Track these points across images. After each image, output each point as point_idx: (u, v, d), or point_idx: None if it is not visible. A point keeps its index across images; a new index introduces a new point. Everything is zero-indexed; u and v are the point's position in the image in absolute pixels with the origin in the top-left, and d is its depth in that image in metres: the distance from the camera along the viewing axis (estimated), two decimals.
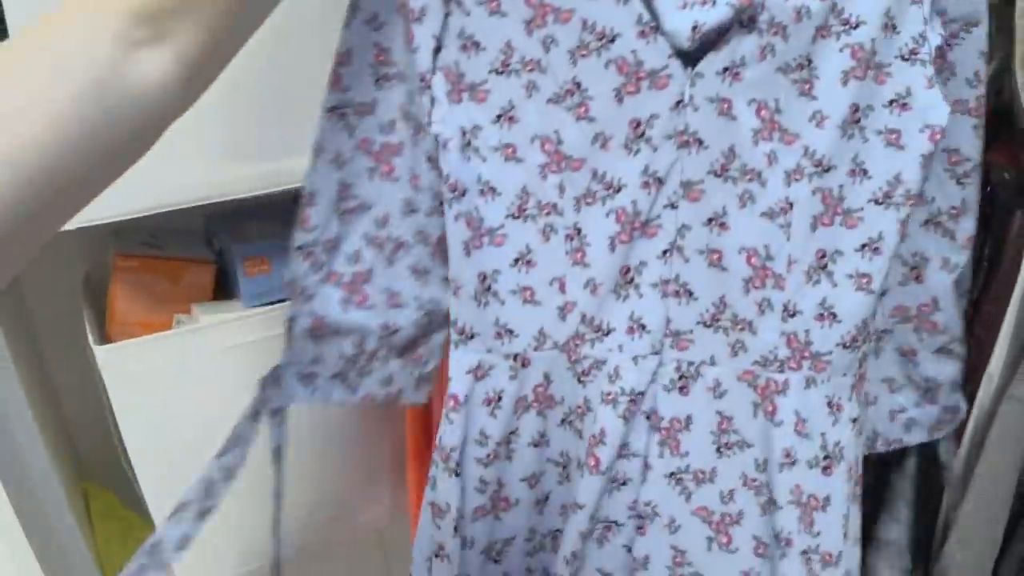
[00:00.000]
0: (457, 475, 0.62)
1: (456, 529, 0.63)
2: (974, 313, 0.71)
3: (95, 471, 0.89)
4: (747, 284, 0.58)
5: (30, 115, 0.30)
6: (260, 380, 0.63)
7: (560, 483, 0.65)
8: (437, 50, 0.56)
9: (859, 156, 0.56)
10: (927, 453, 0.75)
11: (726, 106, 0.55)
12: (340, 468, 0.81)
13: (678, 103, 0.55)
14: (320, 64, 0.68)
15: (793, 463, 0.60)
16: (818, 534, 0.60)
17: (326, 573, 0.87)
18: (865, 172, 0.57)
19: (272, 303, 0.72)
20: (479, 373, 0.61)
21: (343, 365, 0.65)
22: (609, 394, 0.60)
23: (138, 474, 0.68)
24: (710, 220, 0.57)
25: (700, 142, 0.56)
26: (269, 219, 0.77)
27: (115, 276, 0.69)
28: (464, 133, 0.57)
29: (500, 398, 0.61)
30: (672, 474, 0.61)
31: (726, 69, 0.54)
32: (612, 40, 0.54)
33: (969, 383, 0.72)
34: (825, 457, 0.60)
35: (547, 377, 0.61)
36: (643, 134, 0.56)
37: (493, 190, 0.58)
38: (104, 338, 0.68)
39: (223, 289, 0.75)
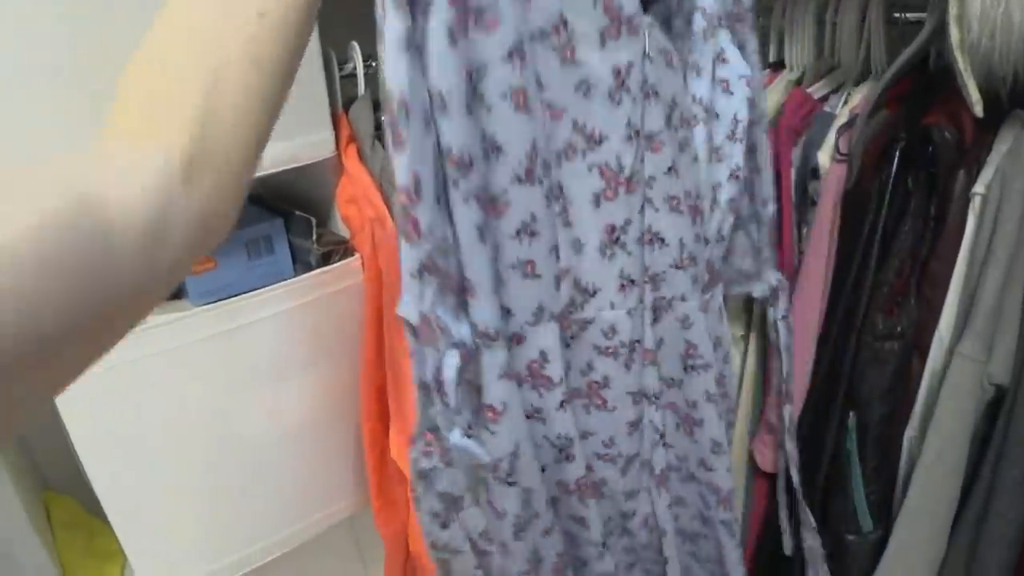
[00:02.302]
0: (510, 484, 0.60)
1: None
2: (921, 273, 0.71)
3: (58, 479, 0.88)
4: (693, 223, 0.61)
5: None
6: None
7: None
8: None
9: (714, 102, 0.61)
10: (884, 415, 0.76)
11: (671, 57, 0.56)
12: (302, 463, 0.81)
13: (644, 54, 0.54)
14: None
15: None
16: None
17: (299, 563, 0.86)
18: (717, 115, 0.61)
19: (220, 299, 0.71)
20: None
21: None
22: (609, 348, 0.61)
23: (92, 478, 0.67)
24: (669, 169, 0.58)
25: (656, 93, 0.55)
26: None
27: None
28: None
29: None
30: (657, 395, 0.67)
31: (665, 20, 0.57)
32: None
33: (920, 343, 0.73)
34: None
35: (543, 355, 0.59)
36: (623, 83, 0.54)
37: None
38: None
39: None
